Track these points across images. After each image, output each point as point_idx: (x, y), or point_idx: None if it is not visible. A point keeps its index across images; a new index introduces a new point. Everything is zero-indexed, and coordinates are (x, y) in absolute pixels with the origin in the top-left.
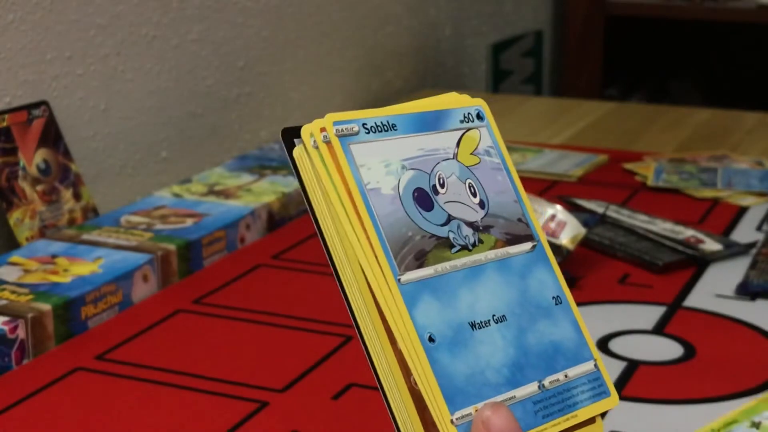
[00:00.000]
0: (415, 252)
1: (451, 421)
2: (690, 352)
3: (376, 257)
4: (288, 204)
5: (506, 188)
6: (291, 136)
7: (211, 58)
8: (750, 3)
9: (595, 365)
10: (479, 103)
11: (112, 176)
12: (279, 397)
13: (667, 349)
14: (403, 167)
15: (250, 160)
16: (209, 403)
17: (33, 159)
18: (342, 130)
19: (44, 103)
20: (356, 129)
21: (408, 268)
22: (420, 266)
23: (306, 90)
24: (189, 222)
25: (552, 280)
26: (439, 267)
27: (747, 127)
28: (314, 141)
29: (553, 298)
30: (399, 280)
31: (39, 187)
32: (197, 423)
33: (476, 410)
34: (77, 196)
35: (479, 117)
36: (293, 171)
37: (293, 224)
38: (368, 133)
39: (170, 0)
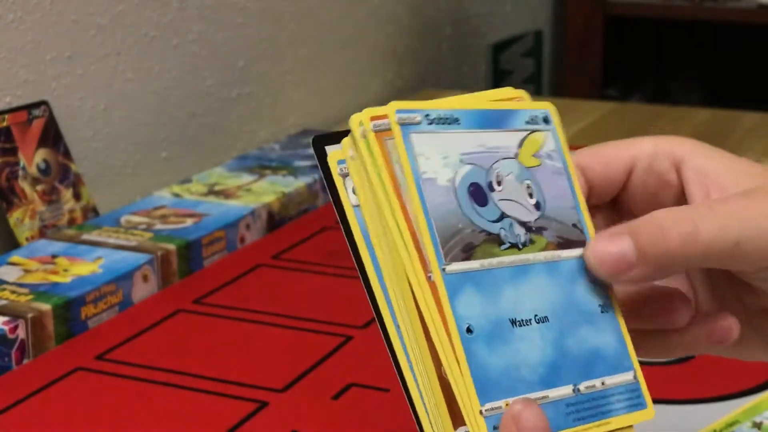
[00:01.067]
0: (464, 244)
1: (481, 412)
2: None
3: (424, 245)
4: (288, 204)
5: (565, 193)
6: (322, 143)
7: (211, 58)
8: (750, 3)
9: (635, 376)
10: (547, 107)
11: (112, 176)
12: (279, 397)
13: None
14: (461, 161)
15: (250, 160)
16: (209, 403)
17: (33, 159)
18: (404, 118)
19: (44, 103)
20: (418, 119)
21: (454, 259)
22: (466, 259)
23: (306, 90)
24: (189, 222)
25: (601, 288)
26: (486, 262)
27: (747, 127)
28: (363, 130)
29: (600, 305)
30: (444, 269)
31: (39, 187)
32: (197, 423)
33: (507, 405)
34: (77, 196)
35: (546, 121)
36: (322, 174)
37: (293, 224)
38: (430, 124)
39: (170, 0)
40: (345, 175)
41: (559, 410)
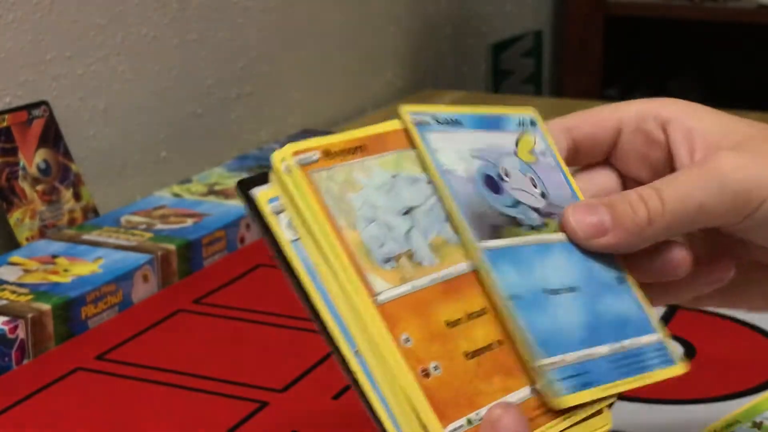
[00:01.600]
0: (490, 226)
1: (542, 366)
2: (690, 352)
3: (459, 226)
4: None
5: (563, 185)
6: (247, 187)
7: (211, 58)
8: (750, 3)
9: (660, 338)
10: (530, 112)
11: (112, 176)
12: (279, 397)
13: None
14: (472, 156)
15: (250, 160)
16: (209, 403)
17: (33, 159)
18: (417, 119)
19: (44, 103)
20: (428, 120)
21: (485, 238)
22: (496, 238)
23: (306, 90)
24: (189, 222)
25: (613, 262)
26: (514, 240)
27: None
28: (286, 165)
29: (616, 278)
30: (480, 246)
31: (39, 187)
32: (197, 423)
33: (564, 360)
34: (77, 196)
35: (532, 124)
36: (252, 216)
37: None
38: (439, 124)
39: (170, 0)
40: (278, 212)
41: (602, 367)
